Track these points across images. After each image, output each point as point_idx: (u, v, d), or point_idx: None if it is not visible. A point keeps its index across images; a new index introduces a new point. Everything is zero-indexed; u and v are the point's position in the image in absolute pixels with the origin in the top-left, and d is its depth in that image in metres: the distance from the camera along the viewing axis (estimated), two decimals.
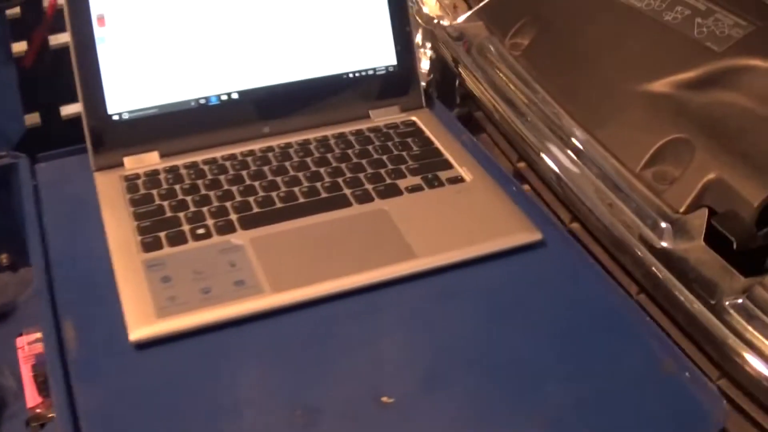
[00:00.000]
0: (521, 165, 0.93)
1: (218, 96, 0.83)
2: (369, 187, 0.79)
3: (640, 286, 0.77)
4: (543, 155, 0.86)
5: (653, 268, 0.74)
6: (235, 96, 0.83)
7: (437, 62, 1.07)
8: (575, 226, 0.85)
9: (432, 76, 1.10)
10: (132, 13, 0.80)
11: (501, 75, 0.95)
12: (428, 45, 1.09)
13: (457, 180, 0.81)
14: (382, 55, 0.88)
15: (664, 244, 0.74)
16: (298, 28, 0.85)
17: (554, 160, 0.85)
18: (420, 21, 1.11)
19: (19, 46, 0.91)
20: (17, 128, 0.84)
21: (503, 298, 0.71)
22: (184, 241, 0.72)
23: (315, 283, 0.69)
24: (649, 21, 0.86)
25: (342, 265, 0.70)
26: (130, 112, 0.80)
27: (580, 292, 0.72)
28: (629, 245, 0.76)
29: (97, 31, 0.79)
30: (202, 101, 0.82)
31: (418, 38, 1.14)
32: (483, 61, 0.98)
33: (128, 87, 0.80)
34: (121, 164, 0.80)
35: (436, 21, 1.07)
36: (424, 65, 1.11)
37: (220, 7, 0.83)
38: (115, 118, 0.80)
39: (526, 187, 0.93)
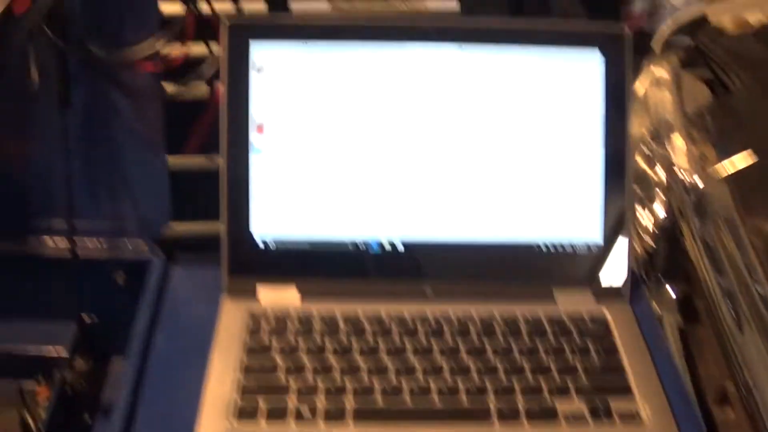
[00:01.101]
0: (730, 385, 0.74)
1: (380, 243, 0.71)
2: (520, 402, 0.63)
3: None
4: (751, 382, 0.67)
5: None
6: (399, 247, 0.71)
7: (669, 224, 0.89)
8: None
9: (660, 233, 0.91)
10: (296, 126, 0.70)
11: (732, 261, 0.75)
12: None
13: (632, 417, 0.63)
14: (585, 229, 0.72)
15: None
16: (489, 182, 0.71)
17: (762, 395, 0.66)
18: (663, 171, 0.93)
19: None
20: (162, 218, 0.77)
21: None
22: (284, 417, 0.61)
23: None
24: None
25: None
26: (276, 239, 0.70)
27: None
28: None
29: (254, 138, 0.70)
30: (362, 247, 0.71)
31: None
32: (714, 236, 0.79)
33: (279, 210, 0.70)
34: (255, 293, 0.70)
35: (677, 171, 0.89)
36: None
37: (403, 139, 0.71)
38: (259, 242, 0.70)
39: (729, 412, 0.74)
